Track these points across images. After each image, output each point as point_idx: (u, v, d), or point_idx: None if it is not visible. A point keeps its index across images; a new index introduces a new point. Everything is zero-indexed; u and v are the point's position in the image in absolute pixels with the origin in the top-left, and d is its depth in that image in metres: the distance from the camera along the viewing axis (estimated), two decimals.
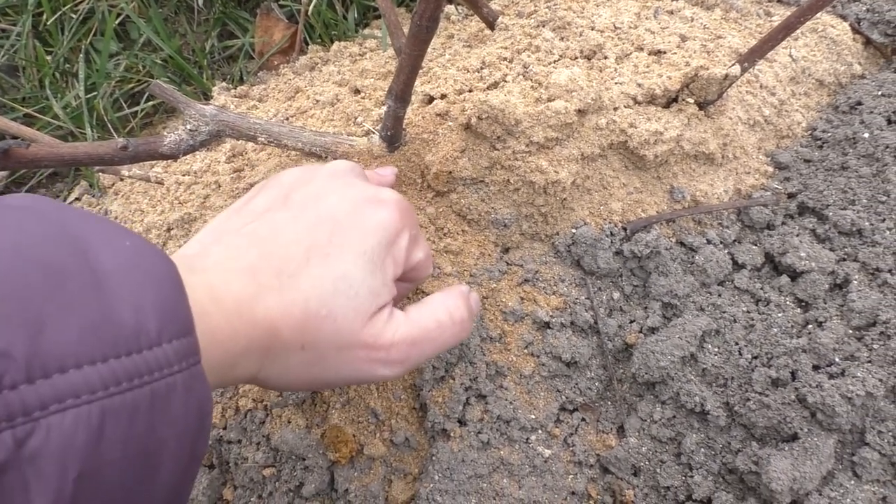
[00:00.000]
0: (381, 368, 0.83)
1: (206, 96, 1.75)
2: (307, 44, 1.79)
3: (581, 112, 1.20)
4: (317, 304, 0.77)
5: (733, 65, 1.24)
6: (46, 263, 0.53)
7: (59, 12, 1.69)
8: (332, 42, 1.74)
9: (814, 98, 1.52)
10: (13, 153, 0.93)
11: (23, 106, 1.68)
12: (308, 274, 0.78)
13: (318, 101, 1.45)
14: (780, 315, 1.22)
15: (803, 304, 1.23)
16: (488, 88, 1.26)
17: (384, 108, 1.12)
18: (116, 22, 1.68)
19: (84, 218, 0.62)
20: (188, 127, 1.12)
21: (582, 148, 1.21)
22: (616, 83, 1.26)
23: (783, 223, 1.31)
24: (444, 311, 0.90)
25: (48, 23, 1.67)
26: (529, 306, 1.25)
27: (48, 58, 1.67)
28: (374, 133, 1.25)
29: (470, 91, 1.26)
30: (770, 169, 1.38)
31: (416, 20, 0.92)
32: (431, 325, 0.88)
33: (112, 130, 1.70)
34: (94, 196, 1.65)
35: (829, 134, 1.43)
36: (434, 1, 0.88)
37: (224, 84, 1.74)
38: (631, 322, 1.25)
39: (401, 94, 1.08)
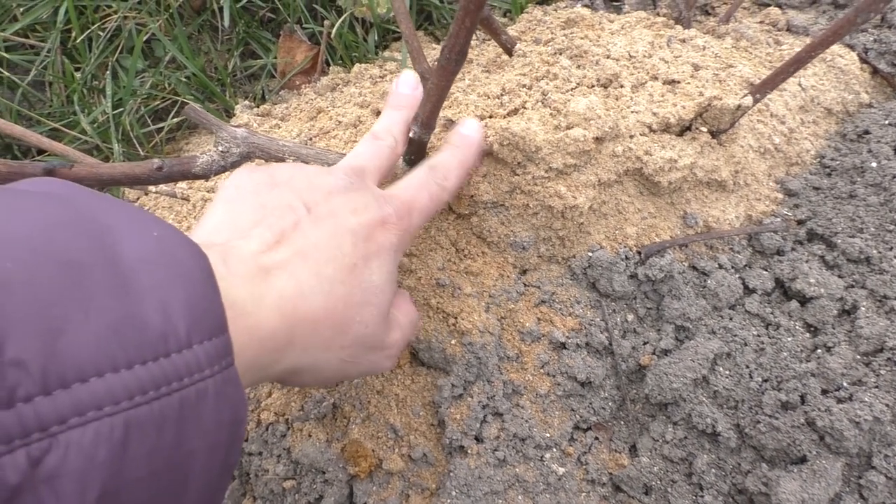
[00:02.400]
0: (387, 362, 0.97)
1: (229, 114, 1.80)
2: (328, 65, 1.83)
3: (599, 139, 1.24)
4: (353, 310, 0.83)
5: (745, 95, 1.28)
6: (65, 257, 0.47)
7: (88, 31, 1.74)
8: (353, 63, 1.78)
9: (822, 126, 1.56)
10: (57, 173, 0.97)
11: (50, 120, 1.73)
12: (343, 281, 0.82)
13: (340, 122, 1.49)
14: (789, 339, 1.25)
15: (812, 329, 1.27)
16: (508, 115, 1.30)
17: (410, 135, 1.15)
18: (143, 40, 1.73)
19: (111, 205, 0.56)
20: (220, 148, 1.16)
21: (599, 174, 1.25)
22: (632, 112, 1.30)
23: (793, 249, 1.35)
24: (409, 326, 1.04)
25: (77, 41, 1.71)
26: (546, 327, 1.28)
27: (77, 74, 1.72)
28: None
29: (490, 117, 1.30)
30: (780, 196, 1.42)
31: (446, 53, 0.96)
32: (409, 331, 1.03)
33: (137, 146, 1.74)
34: None
35: (838, 162, 1.46)
36: (464, 36, 0.92)
37: (247, 102, 1.78)
38: (644, 344, 1.29)
39: (426, 122, 1.12)
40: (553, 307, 1.29)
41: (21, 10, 1.79)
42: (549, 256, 1.30)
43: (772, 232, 1.35)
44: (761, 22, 1.76)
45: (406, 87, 1.19)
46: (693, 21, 1.72)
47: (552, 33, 1.58)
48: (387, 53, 1.81)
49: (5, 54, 1.73)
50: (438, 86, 1.04)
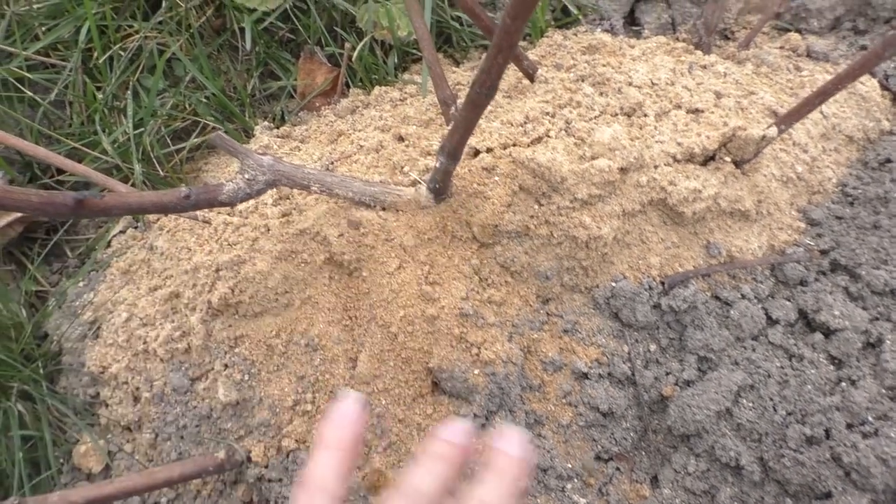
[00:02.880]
0: None
1: (248, 134, 1.80)
2: (348, 87, 1.83)
3: (623, 170, 1.24)
4: None
5: (770, 126, 1.28)
6: None
7: (110, 51, 1.75)
8: (373, 86, 1.78)
9: (843, 154, 1.56)
10: (87, 203, 0.97)
11: (70, 140, 1.73)
12: None
13: (362, 146, 1.49)
14: (813, 372, 1.25)
15: (836, 361, 1.26)
16: (532, 143, 1.30)
17: (436, 164, 1.15)
18: (161, 59, 1.73)
19: None
20: (246, 176, 1.16)
21: (623, 204, 1.25)
22: (656, 141, 1.30)
23: (816, 280, 1.34)
24: None
25: (99, 60, 1.72)
26: (568, 357, 1.28)
27: (98, 94, 1.72)
28: (420, 183, 1.29)
29: (514, 145, 1.30)
30: (802, 225, 1.42)
31: (476, 87, 0.96)
32: None
33: (157, 166, 1.74)
34: (138, 230, 1.69)
35: (860, 191, 1.46)
36: (496, 72, 0.92)
37: (266, 123, 1.78)
38: (667, 374, 1.29)
39: (453, 152, 1.12)
40: (576, 337, 1.29)
41: (43, 28, 1.79)
42: (572, 286, 1.30)
43: (795, 262, 1.35)
44: (781, 47, 1.76)
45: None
46: (713, 46, 1.72)
47: (573, 59, 1.58)
48: (406, 76, 1.81)
49: (27, 73, 1.74)
50: (467, 118, 1.04)
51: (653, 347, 1.30)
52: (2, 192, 0.87)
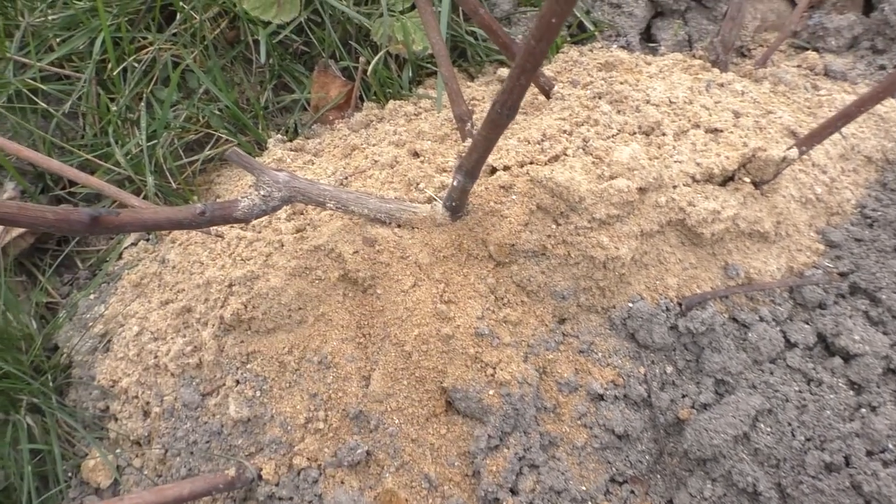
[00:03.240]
0: None
1: (261, 147, 1.79)
2: (362, 100, 1.83)
3: (642, 190, 1.23)
4: None
5: (790, 148, 1.27)
6: None
7: (124, 62, 1.74)
8: (387, 100, 1.78)
9: (862, 175, 1.54)
10: (103, 220, 0.96)
11: (83, 151, 1.72)
12: None
13: (376, 161, 1.48)
14: (832, 397, 1.23)
15: (856, 386, 1.25)
16: (549, 161, 1.29)
17: (453, 182, 1.14)
18: (175, 71, 1.73)
19: None
20: (261, 192, 1.15)
21: (642, 225, 1.24)
22: (675, 161, 1.29)
23: (835, 303, 1.33)
24: None
25: (113, 72, 1.71)
26: (584, 378, 1.26)
27: (112, 106, 1.72)
28: (436, 200, 1.28)
29: (531, 163, 1.29)
30: (821, 247, 1.40)
31: (497, 108, 0.95)
32: None
33: (169, 178, 1.74)
34: (150, 243, 1.69)
35: (880, 213, 1.44)
36: (518, 93, 0.91)
37: (279, 136, 1.78)
38: (683, 397, 1.27)
39: (471, 171, 1.11)
40: (591, 357, 1.28)
41: (58, 40, 1.79)
42: (589, 306, 1.29)
43: (813, 285, 1.33)
44: (798, 66, 1.75)
45: None
46: (730, 63, 1.71)
47: (590, 75, 1.57)
48: (421, 90, 1.81)
49: (41, 84, 1.74)
50: (487, 138, 1.03)
51: (669, 369, 1.28)
52: (17, 210, 0.86)
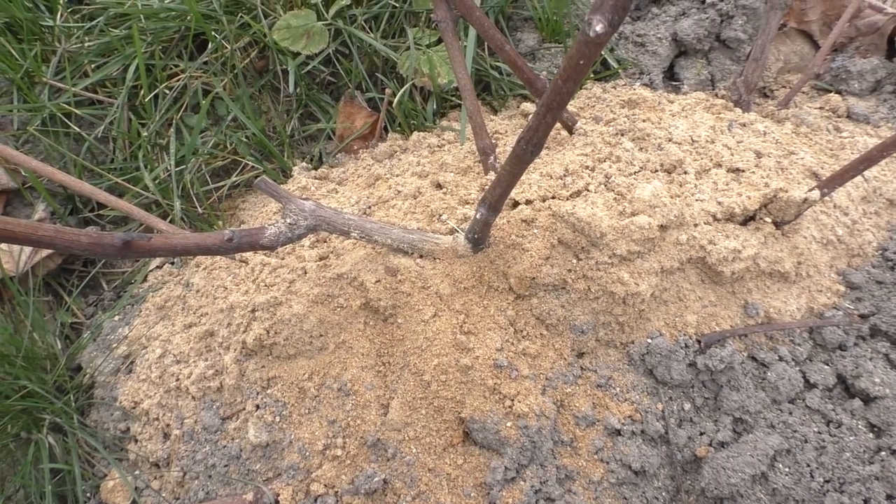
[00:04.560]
0: None
1: (286, 174, 1.82)
2: (386, 131, 1.86)
3: (663, 227, 1.24)
4: None
5: (812, 189, 1.27)
6: None
7: (156, 89, 1.78)
8: (411, 131, 1.80)
9: (884, 217, 1.54)
10: (134, 245, 0.99)
11: (113, 175, 1.76)
12: None
13: (399, 191, 1.50)
14: (852, 439, 1.23)
15: (876, 429, 1.24)
16: (571, 196, 1.31)
17: (475, 215, 1.16)
18: (206, 99, 1.77)
19: None
20: (288, 221, 1.18)
21: (662, 261, 1.25)
22: (697, 200, 1.30)
23: (855, 345, 1.33)
24: None
25: (145, 99, 1.75)
26: (601, 412, 1.27)
27: (144, 133, 1.75)
28: (458, 232, 1.29)
29: (553, 198, 1.31)
30: (842, 288, 1.40)
31: (522, 144, 0.97)
32: None
33: (196, 203, 1.77)
34: (175, 266, 1.71)
35: None
36: (543, 131, 0.93)
37: (304, 164, 1.81)
38: (701, 434, 1.27)
39: (494, 205, 1.13)
40: (609, 392, 1.28)
41: (93, 66, 1.84)
42: (608, 341, 1.29)
43: (834, 326, 1.33)
44: (821, 108, 1.76)
45: None
46: (752, 103, 1.72)
47: (613, 112, 1.59)
48: (444, 122, 1.83)
49: (74, 109, 1.78)
50: (511, 173, 1.04)
51: (687, 406, 1.28)
52: (54, 233, 0.89)
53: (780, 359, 1.30)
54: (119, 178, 1.77)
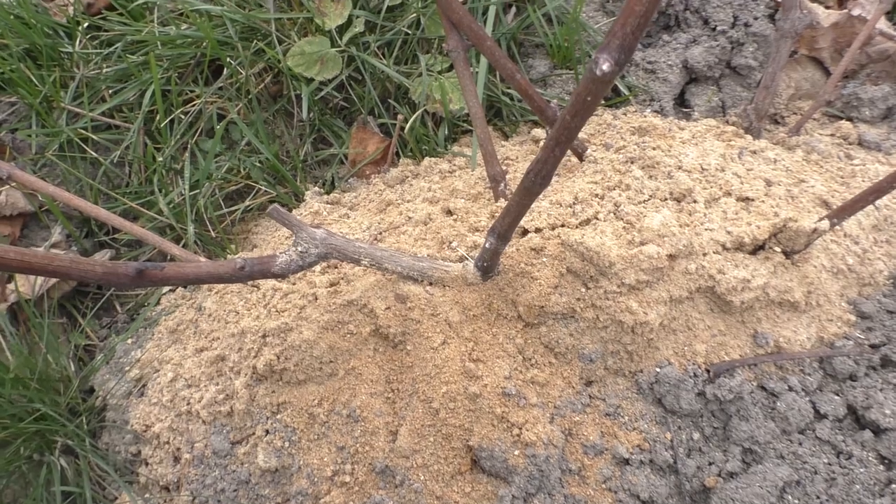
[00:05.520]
0: None
1: (298, 198, 1.84)
2: (398, 156, 1.87)
3: (672, 257, 1.25)
4: None
5: (822, 219, 1.28)
6: None
7: (172, 114, 1.81)
8: (423, 156, 1.82)
9: (895, 246, 1.54)
10: (148, 274, 1.00)
11: (128, 199, 1.78)
12: None
13: (410, 217, 1.51)
14: (862, 471, 1.22)
15: (886, 461, 1.23)
16: (580, 225, 1.31)
17: (485, 244, 1.17)
18: (221, 125, 1.79)
19: None
20: (299, 248, 1.19)
21: (671, 291, 1.25)
22: (706, 229, 1.30)
23: (866, 375, 1.32)
24: None
25: (161, 124, 1.78)
26: (610, 441, 1.27)
27: (159, 157, 1.78)
28: (468, 260, 1.30)
29: (563, 226, 1.31)
30: (852, 318, 1.40)
31: (531, 176, 0.97)
32: None
33: (209, 226, 1.79)
34: (187, 289, 1.73)
35: None
36: (552, 163, 0.94)
37: (316, 189, 1.82)
38: (710, 464, 1.26)
39: (503, 234, 1.14)
40: (618, 421, 1.28)
41: (110, 91, 1.87)
42: (616, 370, 1.30)
43: (844, 356, 1.33)
44: (832, 135, 1.76)
45: None
46: (763, 130, 1.73)
47: (623, 139, 1.60)
48: (456, 148, 1.85)
49: (91, 133, 1.81)
50: (520, 204, 1.05)
51: (696, 436, 1.28)
52: (69, 263, 0.90)
53: (790, 389, 1.30)
54: (134, 202, 1.79)
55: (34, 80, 1.82)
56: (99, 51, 1.87)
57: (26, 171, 1.68)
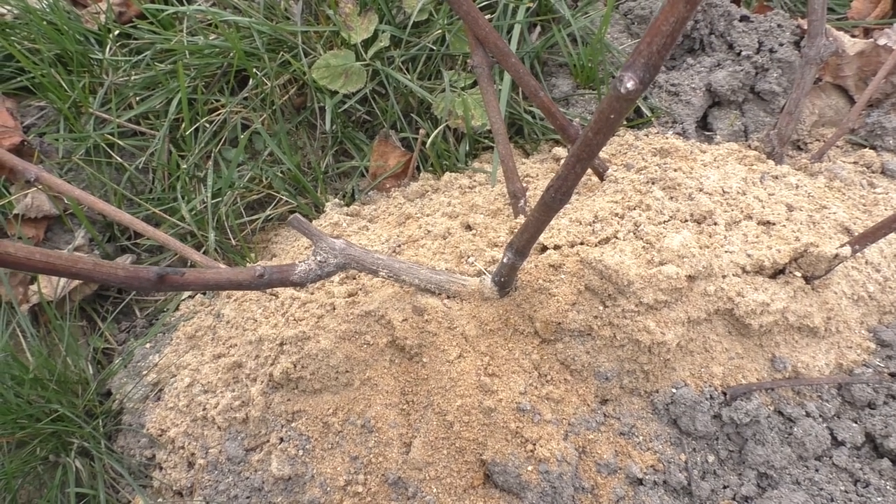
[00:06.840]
0: None
1: (318, 209, 1.86)
2: (419, 170, 1.88)
3: (691, 278, 1.24)
4: None
5: (843, 245, 1.27)
6: None
7: (197, 123, 1.83)
8: (443, 171, 1.83)
9: None
10: (169, 279, 1.01)
11: (151, 204, 1.81)
12: None
13: (429, 231, 1.52)
14: (879, 500, 1.21)
15: None
16: (600, 243, 1.32)
17: (503, 259, 1.17)
18: (245, 134, 1.81)
19: None
20: (318, 258, 1.20)
21: (689, 312, 1.25)
22: (726, 251, 1.30)
23: (885, 403, 1.31)
24: None
25: (186, 132, 1.80)
26: (624, 460, 1.26)
27: (183, 165, 1.80)
28: (486, 274, 1.31)
29: (582, 244, 1.31)
30: (872, 345, 1.39)
31: (552, 192, 0.98)
32: None
33: (230, 234, 1.81)
34: (206, 296, 1.74)
35: None
36: (572, 180, 0.94)
37: (337, 200, 1.84)
38: (725, 487, 1.26)
39: (521, 250, 1.14)
40: (632, 441, 1.27)
41: (137, 98, 1.90)
42: (632, 389, 1.29)
43: (863, 383, 1.32)
44: (855, 163, 1.75)
45: None
46: (785, 156, 1.73)
47: (644, 160, 1.60)
48: (476, 164, 1.85)
49: (117, 139, 1.83)
50: (539, 220, 1.06)
51: (711, 458, 1.27)
52: (91, 266, 0.92)
53: (808, 414, 1.29)
54: (157, 208, 1.82)
55: (64, 85, 1.85)
56: (128, 58, 1.90)
57: (53, 174, 1.70)
